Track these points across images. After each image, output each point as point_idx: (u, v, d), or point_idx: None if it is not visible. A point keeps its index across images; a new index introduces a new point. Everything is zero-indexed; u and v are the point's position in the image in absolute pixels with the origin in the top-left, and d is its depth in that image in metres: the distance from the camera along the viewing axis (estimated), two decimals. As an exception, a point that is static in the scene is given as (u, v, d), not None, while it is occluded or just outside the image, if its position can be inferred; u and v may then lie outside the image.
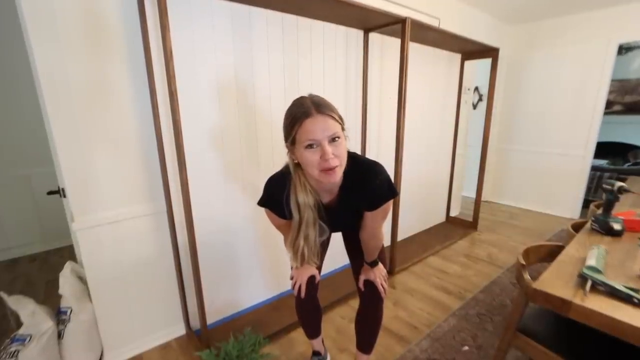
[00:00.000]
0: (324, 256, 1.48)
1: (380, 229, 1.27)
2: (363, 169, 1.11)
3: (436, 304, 2.22)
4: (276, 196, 1.15)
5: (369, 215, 1.19)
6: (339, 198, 1.17)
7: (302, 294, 1.37)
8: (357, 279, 1.42)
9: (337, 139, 0.97)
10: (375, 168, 1.11)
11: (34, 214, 3.06)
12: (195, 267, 1.61)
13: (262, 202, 1.23)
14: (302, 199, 1.09)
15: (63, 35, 1.32)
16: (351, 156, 1.07)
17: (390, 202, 1.16)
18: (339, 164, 0.98)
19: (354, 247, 1.42)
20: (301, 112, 0.95)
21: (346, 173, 1.05)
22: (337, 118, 0.98)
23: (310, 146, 0.95)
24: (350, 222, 1.29)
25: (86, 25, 1.37)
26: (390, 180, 1.12)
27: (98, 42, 1.41)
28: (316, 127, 0.94)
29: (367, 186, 1.10)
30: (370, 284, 1.36)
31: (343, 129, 1.01)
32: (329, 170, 0.97)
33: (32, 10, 1.25)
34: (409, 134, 2.76)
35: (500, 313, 2.10)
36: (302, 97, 1.02)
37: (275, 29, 1.91)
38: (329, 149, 0.95)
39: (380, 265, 1.36)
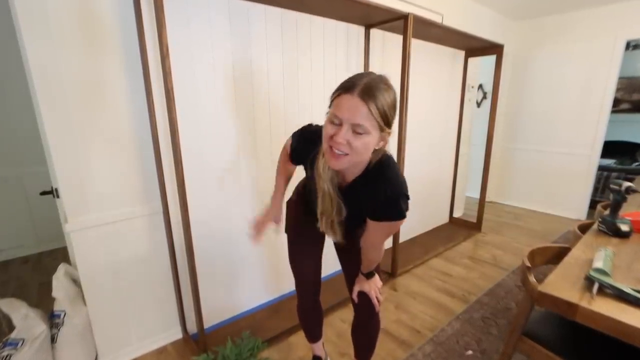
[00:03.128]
0: (321, 255, 1.44)
1: (382, 244, 1.21)
2: (384, 175, 1.02)
3: (439, 307, 2.18)
4: (304, 152, 1.15)
5: (371, 224, 1.12)
6: (349, 189, 1.09)
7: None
8: (350, 290, 1.35)
9: (361, 132, 0.88)
10: (396, 180, 1.01)
11: (26, 215, 3.00)
12: (192, 269, 1.58)
13: (291, 148, 1.23)
14: (324, 171, 1.04)
15: (56, 31, 1.30)
16: (381, 160, 1.01)
17: (397, 223, 1.06)
18: (348, 154, 0.91)
19: (348, 257, 1.36)
20: (348, 85, 0.89)
21: (368, 172, 1.02)
22: (374, 113, 0.87)
23: (333, 120, 0.90)
24: (351, 221, 1.23)
25: (80, 22, 1.34)
26: (404, 200, 1.01)
27: (92, 39, 1.38)
28: (345, 106, 0.87)
29: (376, 191, 1.02)
30: (364, 296, 1.29)
31: (382, 130, 0.91)
32: (333, 154, 0.92)
33: (24, 7, 1.23)
34: (411, 133, 2.73)
35: (504, 316, 2.06)
36: (365, 73, 0.94)
37: (274, 25, 1.88)
38: (343, 133, 0.88)
39: (376, 276, 1.30)
